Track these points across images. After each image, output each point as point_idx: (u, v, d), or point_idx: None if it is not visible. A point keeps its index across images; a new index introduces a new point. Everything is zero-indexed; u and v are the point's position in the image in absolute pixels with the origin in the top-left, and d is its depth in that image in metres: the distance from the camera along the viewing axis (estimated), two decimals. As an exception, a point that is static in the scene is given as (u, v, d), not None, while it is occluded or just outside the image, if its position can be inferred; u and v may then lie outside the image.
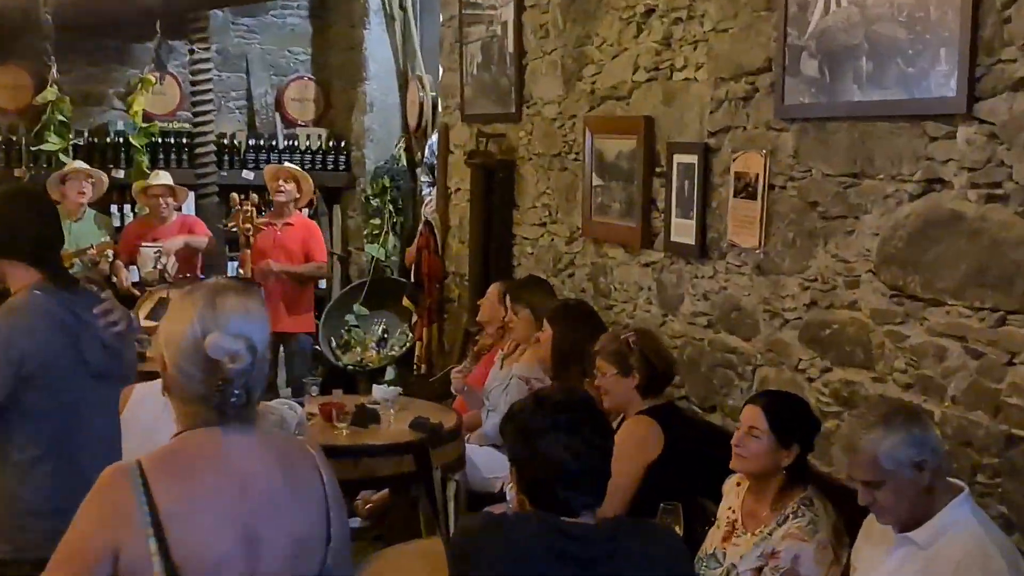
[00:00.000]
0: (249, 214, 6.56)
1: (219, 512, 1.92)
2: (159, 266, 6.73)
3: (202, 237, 7.00)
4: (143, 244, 6.85)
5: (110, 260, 6.71)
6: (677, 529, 3.02)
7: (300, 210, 7.30)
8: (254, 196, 6.72)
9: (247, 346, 1.94)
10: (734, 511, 3.21)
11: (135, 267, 6.88)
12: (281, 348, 6.92)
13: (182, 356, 1.94)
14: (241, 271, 6.60)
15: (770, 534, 3.05)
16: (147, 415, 3.39)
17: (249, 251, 6.60)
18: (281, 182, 6.88)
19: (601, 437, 2.37)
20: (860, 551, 2.81)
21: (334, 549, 2.03)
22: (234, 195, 6.78)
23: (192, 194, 7.68)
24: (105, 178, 7.11)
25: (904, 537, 2.58)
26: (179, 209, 7.14)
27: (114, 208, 7.94)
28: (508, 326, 5.11)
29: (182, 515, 1.88)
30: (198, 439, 1.97)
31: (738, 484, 3.25)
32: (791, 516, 3.03)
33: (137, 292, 6.53)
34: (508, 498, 4.03)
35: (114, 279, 6.91)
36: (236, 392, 1.93)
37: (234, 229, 6.69)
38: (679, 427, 3.73)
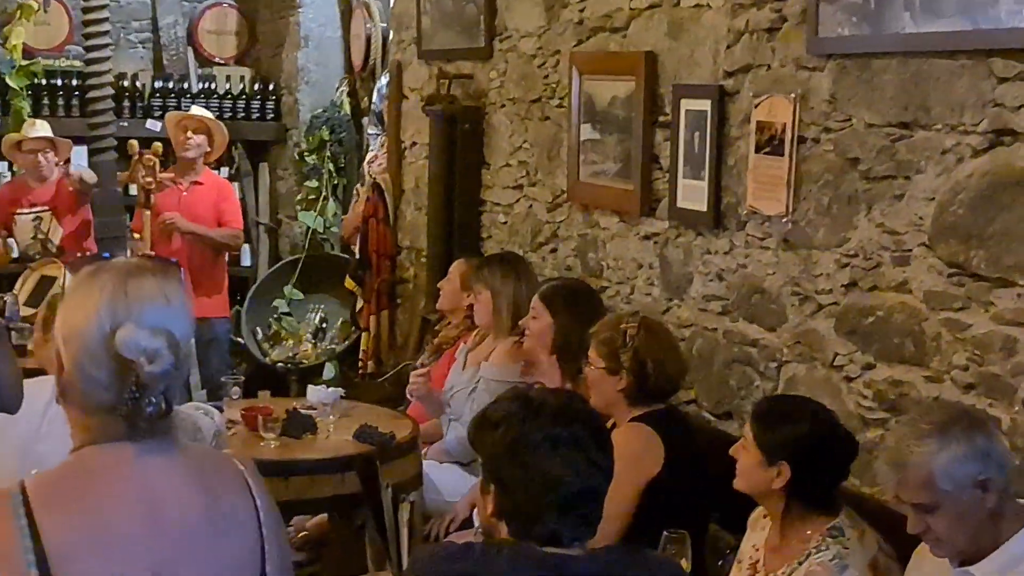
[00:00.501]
0: (151, 164, 6.50)
1: (123, 551, 1.88)
2: (40, 235, 6.66)
3: (89, 171, 6.92)
4: (19, 211, 6.79)
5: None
6: (684, 563, 3.00)
7: (213, 167, 7.23)
8: (157, 145, 6.69)
9: (167, 343, 1.90)
10: (758, 548, 3.21)
11: (12, 240, 6.81)
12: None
13: (85, 355, 1.90)
14: (138, 236, 6.54)
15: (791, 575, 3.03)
16: (23, 424, 3.33)
17: (149, 212, 6.54)
18: (189, 133, 6.84)
19: (606, 456, 2.35)
20: (909, 588, 2.81)
21: None
22: (133, 143, 6.76)
23: (84, 149, 7.60)
24: None
25: (964, 572, 2.59)
26: (68, 162, 7.05)
27: (-13, 166, 7.89)
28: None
29: (75, 556, 1.83)
30: (102, 458, 1.92)
31: (764, 516, 3.23)
32: (814, 551, 3.00)
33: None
34: (475, 524, 4.02)
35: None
36: (153, 400, 1.89)
37: (132, 185, 6.64)
38: (683, 437, 3.72)
